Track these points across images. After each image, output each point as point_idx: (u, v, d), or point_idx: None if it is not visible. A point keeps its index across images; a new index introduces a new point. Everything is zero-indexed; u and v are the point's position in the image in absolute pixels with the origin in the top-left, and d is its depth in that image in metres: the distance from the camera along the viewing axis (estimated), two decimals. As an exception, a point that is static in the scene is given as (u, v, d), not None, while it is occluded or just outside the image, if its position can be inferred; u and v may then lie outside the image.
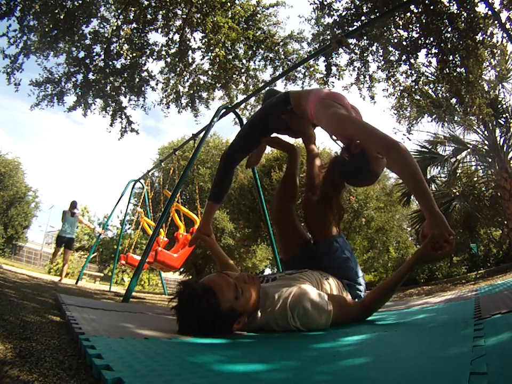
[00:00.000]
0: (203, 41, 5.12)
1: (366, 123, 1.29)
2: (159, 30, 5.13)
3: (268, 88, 4.20)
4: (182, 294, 0.99)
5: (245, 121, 4.72)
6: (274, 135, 1.87)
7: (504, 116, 6.88)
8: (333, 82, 4.97)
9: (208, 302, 0.96)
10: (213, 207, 1.93)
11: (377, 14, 4.20)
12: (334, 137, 1.43)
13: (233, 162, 1.90)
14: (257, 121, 1.80)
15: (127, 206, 8.26)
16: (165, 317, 1.59)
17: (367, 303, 1.23)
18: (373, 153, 1.30)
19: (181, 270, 13.54)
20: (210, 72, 5.57)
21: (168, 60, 5.47)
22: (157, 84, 5.68)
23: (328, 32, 4.71)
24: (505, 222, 7.13)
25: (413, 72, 4.70)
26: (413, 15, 4.30)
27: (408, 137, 5.83)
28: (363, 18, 4.42)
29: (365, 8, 4.39)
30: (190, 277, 12.97)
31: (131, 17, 5.05)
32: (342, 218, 1.58)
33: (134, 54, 5.20)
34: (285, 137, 1.97)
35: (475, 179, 7.97)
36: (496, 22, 3.89)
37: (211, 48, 5.08)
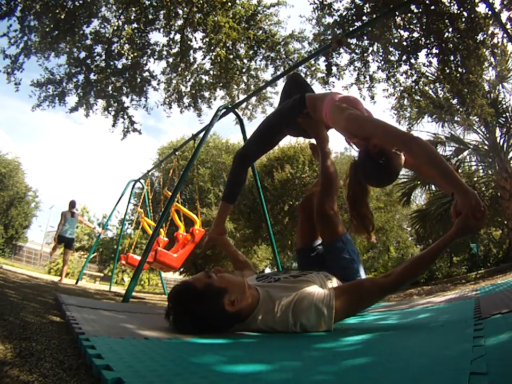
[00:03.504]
0: (204, 41, 5.13)
1: (383, 121, 1.32)
2: (160, 30, 5.13)
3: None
4: (169, 297, 1.10)
5: (245, 121, 4.71)
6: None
7: (504, 115, 6.87)
8: (333, 82, 4.97)
9: (183, 288, 1.07)
10: (226, 208, 1.96)
11: (378, 14, 4.20)
12: (350, 140, 1.46)
13: (247, 162, 1.93)
14: (274, 123, 1.84)
15: (127, 206, 8.27)
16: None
17: (395, 278, 1.10)
18: (391, 150, 1.34)
19: (181, 270, 13.54)
20: (211, 72, 5.56)
21: (170, 59, 5.47)
22: (158, 84, 5.68)
23: (329, 32, 4.71)
24: (505, 222, 7.12)
25: (413, 72, 4.70)
26: (413, 15, 4.30)
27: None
28: (364, 18, 4.42)
29: (365, 8, 4.39)
30: (190, 276, 12.96)
31: (132, 17, 5.05)
32: (372, 220, 1.58)
33: (135, 54, 5.19)
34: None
35: (475, 179, 7.96)
36: (496, 22, 3.89)
37: (212, 47, 5.08)
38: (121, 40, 5.19)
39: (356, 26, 4.40)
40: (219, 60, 4.97)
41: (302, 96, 1.73)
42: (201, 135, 4.32)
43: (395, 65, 4.72)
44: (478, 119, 6.67)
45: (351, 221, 1.57)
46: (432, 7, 4.04)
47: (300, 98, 1.73)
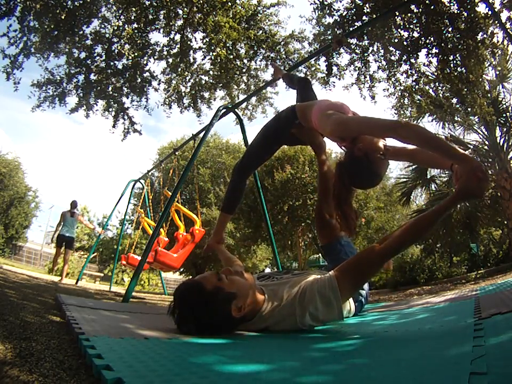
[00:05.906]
0: (204, 41, 5.12)
1: (366, 117, 1.33)
2: (161, 30, 5.12)
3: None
4: (175, 295, 1.08)
5: (245, 121, 4.71)
6: None
7: (504, 115, 6.87)
8: (334, 82, 4.97)
9: (191, 288, 1.05)
10: (225, 218, 2.00)
11: (378, 14, 4.20)
12: (341, 143, 1.48)
13: (247, 173, 1.97)
14: (270, 136, 1.87)
15: (127, 206, 8.28)
16: (165, 317, 1.59)
17: (393, 243, 1.08)
18: (375, 154, 1.36)
19: (181, 270, 13.55)
20: (211, 72, 5.56)
21: (170, 60, 5.47)
22: (159, 84, 5.67)
23: (329, 32, 4.71)
24: (505, 222, 7.11)
25: (413, 72, 4.70)
26: (413, 15, 4.30)
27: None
28: (364, 18, 4.42)
29: (365, 8, 4.39)
30: (190, 276, 12.97)
31: (132, 17, 5.04)
32: (356, 220, 1.61)
33: (136, 54, 5.18)
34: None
35: (475, 179, 7.93)
36: (496, 22, 3.89)
37: (212, 48, 5.08)
38: (122, 40, 5.18)
39: (356, 26, 4.40)
40: (219, 60, 4.97)
41: (293, 107, 1.77)
42: (201, 135, 4.33)
43: (395, 65, 4.72)
44: (478, 119, 6.67)
45: (335, 220, 1.61)
46: (432, 7, 4.04)
47: (292, 109, 1.77)
